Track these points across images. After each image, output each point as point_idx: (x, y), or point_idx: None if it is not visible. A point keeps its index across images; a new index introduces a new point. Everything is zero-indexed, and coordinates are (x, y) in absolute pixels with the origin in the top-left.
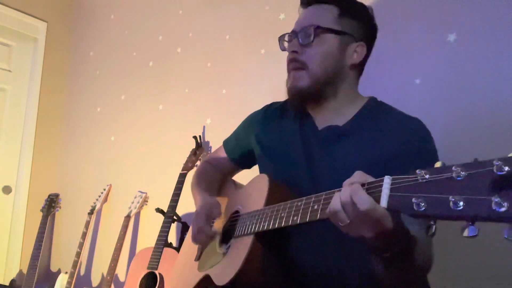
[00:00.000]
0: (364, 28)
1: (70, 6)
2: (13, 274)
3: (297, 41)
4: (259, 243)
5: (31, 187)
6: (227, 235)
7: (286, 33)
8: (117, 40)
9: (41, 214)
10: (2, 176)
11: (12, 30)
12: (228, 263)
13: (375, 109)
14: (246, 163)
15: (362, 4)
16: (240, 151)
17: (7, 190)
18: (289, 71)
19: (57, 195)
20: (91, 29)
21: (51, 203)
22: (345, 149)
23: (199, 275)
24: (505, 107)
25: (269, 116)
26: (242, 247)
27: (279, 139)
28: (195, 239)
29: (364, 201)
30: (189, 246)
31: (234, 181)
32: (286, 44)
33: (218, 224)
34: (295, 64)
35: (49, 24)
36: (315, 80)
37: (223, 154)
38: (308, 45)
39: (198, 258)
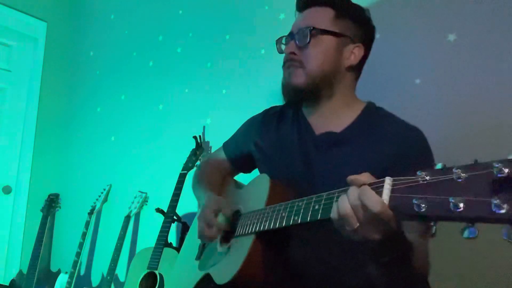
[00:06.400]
0: (361, 29)
1: (70, 6)
2: (13, 274)
3: (294, 43)
4: (260, 243)
5: (31, 187)
6: (228, 235)
7: (283, 36)
8: (117, 40)
9: (41, 214)
10: (2, 176)
11: (12, 30)
12: (229, 263)
13: (373, 116)
14: (245, 167)
15: (359, 6)
16: (240, 154)
17: (7, 190)
18: (284, 69)
19: (57, 195)
20: (91, 29)
21: (51, 203)
22: (342, 156)
23: (199, 274)
24: (505, 107)
25: (267, 120)
26: (243, 246)
27: (277, 143)
28: (204, 234)
29: (375, 203)
30: (190, 246)
31: (235, 181)
32: (283, 47)
33: None
34: (292, 63)
35: (49, 24)
36: (312, 79)
37: (223, 156)
38: (305, 46)
39: (198, 257)
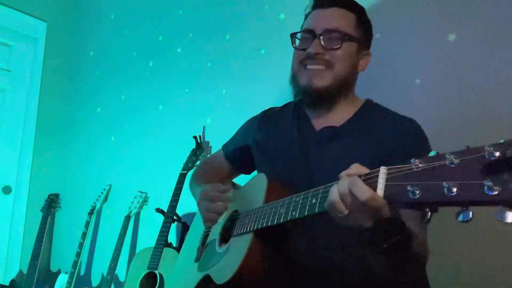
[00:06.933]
0: (369, 37)
1: (70, 6)
2: (13, 274)
3: (319, 43)
4: (259, 240)
5: (31, 187)
6: (226, 235)
7: (300, 31)
8: (117, 40)
9: (41, 214)
10: (2, 176)
11: (12, 30)
12: (228, 262)
13: (371, 110)
14: (245, 167)
15: (367, 16)
16: (239, 153)
17: (7, 190)
18: (303, 67)
19: (57, 195)
20: (91, 29)
21: (51, 203)
22: (342, 149)
23: (199, 276)
24: (505, 107)
25: (267, 119)
26: (241, 245)
27: (277, 140)
28: (211, 210)
29: (363, 191)
30: (189, 247)
31: (232, 182)
32: (297, 41)
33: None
34: (318, 62)
35: (49, 24)
36: (337, 81)
37: (222, 157)
38: (333, 49)
39: (198, 259)
